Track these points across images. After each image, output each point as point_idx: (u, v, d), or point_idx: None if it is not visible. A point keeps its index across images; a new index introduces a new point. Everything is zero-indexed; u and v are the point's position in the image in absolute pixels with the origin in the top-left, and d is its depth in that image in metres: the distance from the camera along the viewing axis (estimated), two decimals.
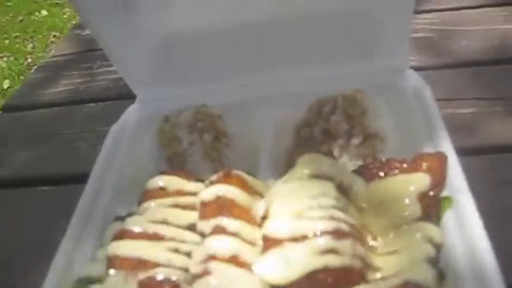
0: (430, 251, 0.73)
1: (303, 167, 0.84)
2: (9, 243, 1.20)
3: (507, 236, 0.84)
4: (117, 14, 1.05)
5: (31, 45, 4.21)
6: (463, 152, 0.89)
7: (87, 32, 2.00)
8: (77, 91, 1.70)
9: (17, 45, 4.23)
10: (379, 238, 0.79)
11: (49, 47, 4.07)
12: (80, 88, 1.71)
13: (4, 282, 1.11)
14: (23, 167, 1.43)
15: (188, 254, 0.79)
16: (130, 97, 1.28)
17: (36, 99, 1.73)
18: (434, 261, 0.72)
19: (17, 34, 4.37)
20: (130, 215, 0.90)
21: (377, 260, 0.74)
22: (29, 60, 4.00)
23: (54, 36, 4.19)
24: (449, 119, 0.97)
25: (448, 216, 0.79)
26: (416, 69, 1.12)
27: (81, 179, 1.22)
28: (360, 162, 0.93)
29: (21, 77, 3.75)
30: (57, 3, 4.56)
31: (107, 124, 1.41)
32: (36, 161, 1.44)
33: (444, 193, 0.82)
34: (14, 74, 3.82)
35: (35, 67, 3.69)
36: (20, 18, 4.59)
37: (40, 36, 4.28)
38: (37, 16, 4.54)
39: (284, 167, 0.95)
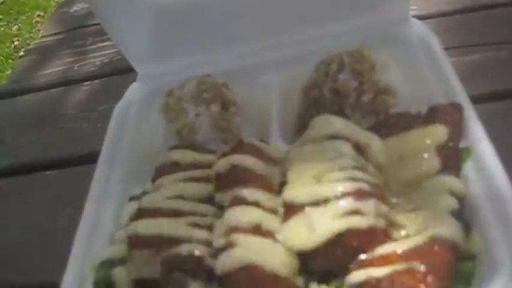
0: (453, 203, 0.72)
1: (317, 129, 0.82)
2: (17, 233, 1.18)
3: None
4: None
5: (16, 27, 4.13)
6: (475, 100, 0.87)
7: (75, 8, 1.95)
8: (71, 71, 1.67)
9: (2, 28, 4.16)
10: (400, 195, 0.77)
11: (35, 28, 4.00)
12: (74, 67, 1.68)
13: (13, 270, 1.11)
14: (24, 153, 1.41)
15: (209, 228, 0.77)
16: (127, 72, 1.26)
17: (30, 82, 1.69)
18: (458, 214, 0.71)
19: (0, 17, 4.28)
20: (145, 193, 0.88)
21: (400, 218, 0.73)
22: (16, 42, 3.93)
23: (39, 15, 4.12)
24: (457, 67, 0.95)
25: (469, 167, 0.77)
26: (418, 18, 1.10)
27: (86, 160, 1.22)
28: (373, 120, 0.91)
29: (10, 61, 3.69)
30: None
31: (107, 102, 1.39)
32: (37, 146, 1.42)
33: (463, 144, 0.80)
34: (1, 58, 3.76)
35: (23, 49, 3.64)
36: (1, 0, 4.50)
37: (24, 17, 4.20)
38: None
39: (296, 130, 0.94)
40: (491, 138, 0.79)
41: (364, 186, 0.72)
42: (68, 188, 1.22)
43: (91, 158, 1.06)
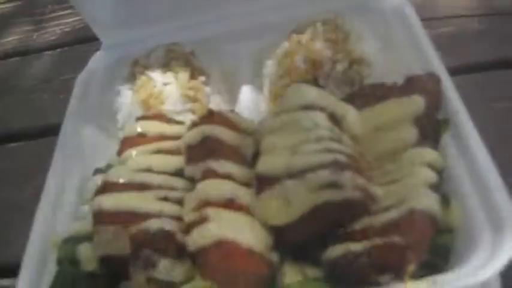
0: (432, 176, 0.70)
1: (291, 99, 0.79)
2: None
3: (505, 154, 0.82)
4: None
5: None
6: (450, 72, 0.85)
7: None
8: (30, 40, 1.61)
9: None
10: (377, 167, 0.75)
11: None
12: (33, 36, 1.61)
13: None
14: None
15: (179, 202, 0.74)
16: (90, 41, 1.21)
17: None
18: (437, 186, 0.69)
19: None
20: (110, 166, 0.84)
21: (378, 190, 0.71)
22: None
23: None
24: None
25: (447, 139, 0.76)
26: None
27: (47, 132, 1.18)
28: (347, 90, 0.89)
29: None
30: None
31: (68, 72, 1.35)
32: None
33: (440, 115, 0.79)
34: None
35: None
36: None
37: None
38: None
39: (268, 100, 0.91)
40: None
41: (341, 157, 0.69)
42: (33, 161, 1.19)
43: (53, 130, 1.03)
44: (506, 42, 1.17)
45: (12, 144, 1.27)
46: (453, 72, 0.86)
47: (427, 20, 1.20)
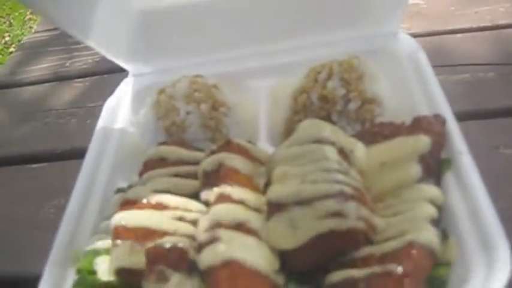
0: (432, 212, 0.74)
1: (304, 132, 0.84)
2: (2, 223, 1.19)
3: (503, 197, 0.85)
4: None
5: (7, 23, 4.12)
6: (458, 117, 0.89)
7: None
8: (63, 67, 1.68)
9: None
10: (381, 200, 0.79)
11: (27, 25, 3.99)
12: (66, 64, 1.69)
13: None
14: (13, 145, 1.42)
15: (194, 223, 0.79)
16: (119, 71, 1.27)
17: (21, 77, 1.70)
18: (436, 222, 0.74)
19: None
20: (131, 187, 0.89)
21: (381, 222, 0.75)
22: (7, 38, 3.92)
23: (32, 13, 4.10)
24: (442, 85, 0.97)
25: (449, 178, 0.80)
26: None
27: (72, 155, 1.23)
28: (358, 127, 0.93)
29: (0, 56, 3.68)
30: None
31: (96, 99, 1.41)
32: (25, 139, 1.43)
33: (444, 155, 0.83)
34: None
35: (13, 45, 3.63)
36: None
37: (17, 13, 4.19)
38: None
39: (283, 134, 0.96)
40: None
41: (347, 189, 0.74)
42: (54, 182, 1.23)
43: (78, 154, 1.07)
44: None
45: (35, 165, 1.32)
46: (465, 117, 0.90)
47: (441, 67, 1.25)
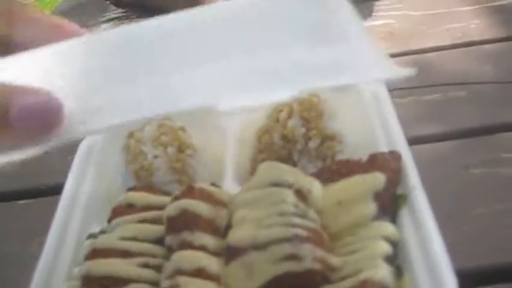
0: (387, 249, 0.77)
1: (262, 175, 0.87)
2: None
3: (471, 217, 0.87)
4: None
5: None
6: (429, 139, 0.92)
7: None
8: None
9: None
10: (338, 239, 0.82)
11: None
12: None
13: None
14: None
15: (159, 268, 0.82)
16: None
17: None
18: (391, 259, 0.76)
19: None
20: (102, 232, 0.93)
21: (337, 261, 0.78)
22: None
23: None
24: (414, 106, 1.00)
25: (403, 214, 0.83)
26: None
27: (57, 190, 1.25)
28: (320, 164, 0.96)
29: None
30: None
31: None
32: (10, 174, 1.42)
33: (399, 190, 0.86)
34: None
35: None
36: None
37: None
38: None
39: (248, 174, 0.99)
40: (440, 175, 0.84)
41: (301, 232, 0.76)
42: (41, 218, 1.22)
43: (60, 189, 1.07)
44: (489, 108, 1.23)
45: (21, 202, 1.35)
46: (436, 138, 0.92)
47: (413, 88, 1.28)
